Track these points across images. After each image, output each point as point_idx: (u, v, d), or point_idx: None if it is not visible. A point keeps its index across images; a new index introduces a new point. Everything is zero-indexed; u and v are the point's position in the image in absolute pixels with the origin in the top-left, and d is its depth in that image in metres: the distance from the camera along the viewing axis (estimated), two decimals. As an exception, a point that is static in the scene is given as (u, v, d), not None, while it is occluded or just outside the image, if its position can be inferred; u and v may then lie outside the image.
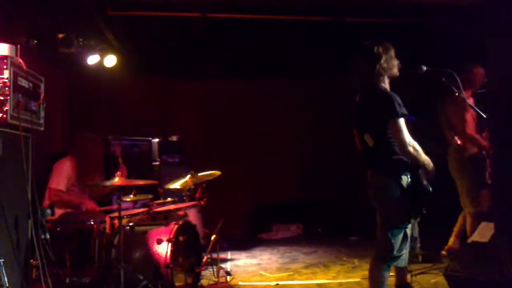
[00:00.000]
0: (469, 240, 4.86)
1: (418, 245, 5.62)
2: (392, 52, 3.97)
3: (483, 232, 4.71)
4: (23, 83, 3.43)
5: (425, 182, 3.75)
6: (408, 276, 4.54)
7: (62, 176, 5.29)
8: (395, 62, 3.97)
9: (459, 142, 5.60)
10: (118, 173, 4.62)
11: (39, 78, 3.69)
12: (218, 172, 5.80)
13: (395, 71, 3.97)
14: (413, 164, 3.76)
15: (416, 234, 4.91)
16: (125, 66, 6.98)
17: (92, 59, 6.20)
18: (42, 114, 3.72)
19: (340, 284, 5.32)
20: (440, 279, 4.99)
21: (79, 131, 5.85)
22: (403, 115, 3.73)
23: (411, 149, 3.69)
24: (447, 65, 4.34)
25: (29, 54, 4.01)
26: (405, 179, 3.76)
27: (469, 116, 5.42)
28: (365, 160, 4.01)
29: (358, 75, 4.04)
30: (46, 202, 5.08)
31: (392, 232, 3.81)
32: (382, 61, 3.89)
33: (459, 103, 5.36)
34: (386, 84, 3.95)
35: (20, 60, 3.44)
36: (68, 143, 5.53)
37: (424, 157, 3.76)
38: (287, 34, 7.25)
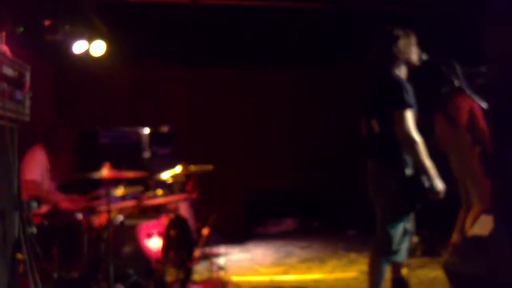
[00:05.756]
0: (469, 234, 4.79)
1: (415, 239, 5.56)
2: (413, 39, 3.93)
3: (483, 225, 4.63)
4: (8, 71, 3.30)
5: (423, 178, 3.67)
6: (406, 270, 4.49)
7: (35, 166, 5.05)
8: (414, 49, 3.92)
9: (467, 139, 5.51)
10: (107, 164, 4.49)
11: (25, 67, 3.56)
12: (210, 167, 5.69)
13: (414, 58, 3.92)
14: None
15: (411, 228, 4.85)
16: (113, 55, 6.82)
17: (79, 47, 6.05)
18: (28, 104, 3.59)
19: (337, 279, 5.28)
20: (439, 273, 4.93)
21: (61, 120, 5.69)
22: (410, 106, 3.64)
23: (411, 143, 3.60)
24: (448, 56, 4.24)
25: (14, 42, 3.88)
26: (407, 173, 3.68)
27: (479, 110, 5.34)
28: (368, 148, 3.94)
29: (374, 58, 3.96)
30: (25, 196, 4.87)
31: (392, 226, 3.76)
32: (399, 43, 3.83)
33: (462, 99, 5.33)
34: (401, 71, 3.90)
35: (5, 48, 3.31)
36: (38, 133, 5.35)
37: (428, 163, 3.64)
38: (280, 22, 7.16)
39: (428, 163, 3.63)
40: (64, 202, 5.06)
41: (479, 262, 4.28)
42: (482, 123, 5.34)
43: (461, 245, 4.87)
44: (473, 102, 5.26)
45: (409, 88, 3.74)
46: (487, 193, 5.35)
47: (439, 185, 3.65)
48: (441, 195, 3.69)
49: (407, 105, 3.65)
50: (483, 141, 5.37)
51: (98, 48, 6.29)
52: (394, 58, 3.87)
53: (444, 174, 3.83)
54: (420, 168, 3.65)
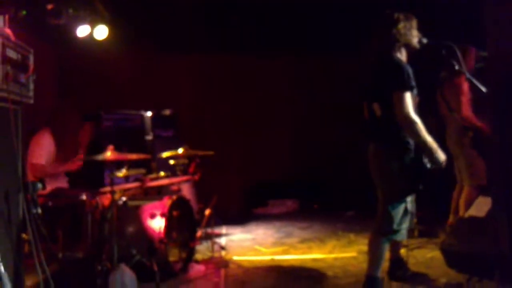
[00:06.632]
0: (466, 215, 4.84)
1: (414, 220, 5.62)
2: (414, 23, 3.94)
3: (480, 207, 4.68)
4: (12, 54, 3.32)
5: (425, 160, 3.72)
6: (405, 250, 4.55)
7: (42, 150, 5.14)
8: (415, 33, 3.93)
9: (460, 123, 5.55)
10: (110, 147, 4.53)
11: (28, 50, 3.58)
12: (211, 152, 5.75)
13: (414, 42, 3.94)
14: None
15: (412, 209, 4.91)
16: (117, 39, 6.82)
17: (82, 31, 6.05)
18: (32, 86, 3.62)
19: (336, 258, 5.32)
20: (436, 253, 4.99)
21: (65, 104, 5.73)
22: (410, 89, 3.68)
23: (409, 122, 3.64)
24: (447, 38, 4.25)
25: (17, 25, 3.90)
26: (408, 156, 3.73)
27: (466, 97, 5.39)
28: (370, 131, 3.98)
29: (375, 42, 3.99)
30: (30, 178, 4.92)
31: (393, 206, 3.81)
32: (400, 26, 3.85)
33: (456, 86, 5.38)
34: (402, 55, 3.92)
35: (9, 31, 3.33)
36: (45, 116, 5.43)
37: (429, 139, 3.70)
38: (283, 7, 7.12)
39: (428, 138, 3.69)
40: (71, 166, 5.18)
41: (476, 243, 4.34)
42: (466, 111, 5.39)
43: (459, 226, 4.91)
44: (464, 88, 5.31)
45: (409, 70, 3.76)
46: (478, 175, 5.44)
47: (441, 156, 3.74)
48: (443, 164, 3.77)
49: (406, 87, 3.68)
50: (472, 126, 5.42)
51: (100, 32, 6.29)
52: (394, 41, 3.89)
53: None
54: (421, 146, 3.71)
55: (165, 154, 5.65)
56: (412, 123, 3.65)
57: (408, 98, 3.67)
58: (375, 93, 3.92)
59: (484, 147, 5.47)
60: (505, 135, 4.12)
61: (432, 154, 3.71)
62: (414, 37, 3.94)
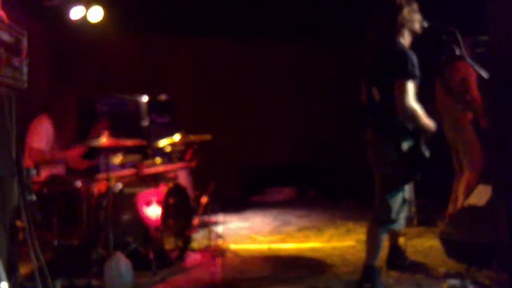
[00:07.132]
0: (466, 203, 4.82)
1: (413, 209, 5.59)
2: (415, 6, 3.92)
3: (480, 195, 4.65)
4: (5, 37, 3.24)
5: (423, 148, 3.69)
6: (403, 239, 4.53)
7: (42, 134, 5.10)
8: (417, 17, 3.90)
9: (458, 106, 5.52)
10: (106, 132, 4.46)
11: (22, 33, 3.50)
12: (208, 136, 5.67)
13: (417, 26, 3.91)
14: (415, 129, 3.69)
15: (411, 198, 4.88)
16: (112, 22, 6.71)
17: (76, 13, 5.95)
18: (25, 70, 3.54)
19: (334, 247, 5.30)
20: (435, 242, 4.98)
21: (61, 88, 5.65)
22: (413, 78, 3.63)
23: (409, 113, 3.62)
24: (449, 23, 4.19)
25: (11, 7, 3.82)
26: (406, 143, 3.69)
27: (473, 78, 5.34)
28: (368, 116, 3.93)
29: (379, 29, 3.94)
30: (29, 163, 4.88)
31: (391, 195, 3.78)
32: (404, 12, 3.81)
33: (460, 69, 5.34)
34: (406, 40, 3.89)
35: (2, 13, 3.25)
36: (44, 100, 5.38)
37: (426, 121, 3.70)
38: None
39: (426, 121, 3.70)
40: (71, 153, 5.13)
41: (475, 232, 4.31)
42: (475, 91, 5.35)
43: (458, 214, 4.89)
44: (470, 70, 5.26)
45: (414, 59, 3.72)
46: (478, 160, 5.44)
47: (432, 125, 3.75)
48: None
49: (409, 76, 3.64)
50: (475, 109, 5.39)
51: (95, 14, 6.19)
52: (400, 27, 3.85)
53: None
54: (420, 129, 3.70)
55: (161, 141, 5.58)
56: (412, 112, 3.62)
57: (411, 88, 3.63)
58: (375, 78, 3.88)
59: (482, 132, 5.46)
60: (505, 124, 4.09)
61: (429, 131, 3.75)
62: (417, 22, 3.91)
